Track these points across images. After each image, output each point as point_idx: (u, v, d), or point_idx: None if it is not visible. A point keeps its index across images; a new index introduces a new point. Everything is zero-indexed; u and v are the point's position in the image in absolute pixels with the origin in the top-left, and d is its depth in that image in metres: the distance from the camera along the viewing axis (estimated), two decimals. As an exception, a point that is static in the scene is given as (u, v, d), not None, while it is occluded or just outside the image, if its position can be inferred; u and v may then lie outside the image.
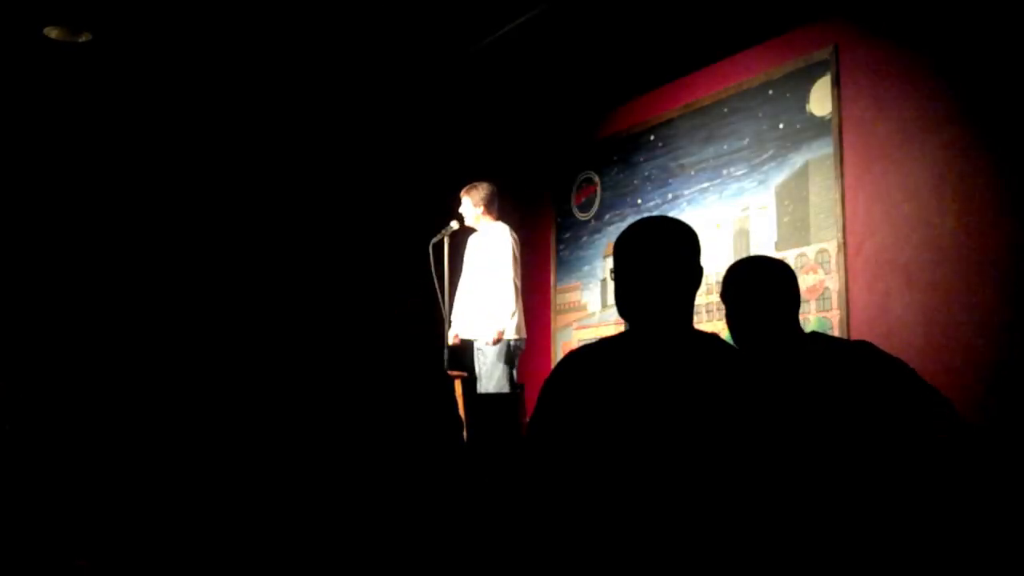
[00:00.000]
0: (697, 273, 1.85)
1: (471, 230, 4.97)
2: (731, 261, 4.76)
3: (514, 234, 4.82)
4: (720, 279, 2.33)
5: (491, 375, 4.63)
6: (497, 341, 4.63)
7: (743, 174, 4.61)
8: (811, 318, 4.13)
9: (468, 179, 4.99)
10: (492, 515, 2.19)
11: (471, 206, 4.87)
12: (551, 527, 1.71)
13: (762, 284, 2.23)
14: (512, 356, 4.68)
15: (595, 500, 1.67)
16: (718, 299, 2.36)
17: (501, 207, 5.00)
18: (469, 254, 4.96)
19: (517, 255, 4.77)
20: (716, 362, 1.76)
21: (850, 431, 2.04)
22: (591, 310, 5.48)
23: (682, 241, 1.84)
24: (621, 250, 1.86)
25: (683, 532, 1.61)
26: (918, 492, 2.02)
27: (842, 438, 2.02)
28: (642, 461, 1.66)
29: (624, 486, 1.66)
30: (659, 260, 1.81)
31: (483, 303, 4.75)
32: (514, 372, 4.69)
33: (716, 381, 1.72)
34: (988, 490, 2.11)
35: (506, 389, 4.60)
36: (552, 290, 5.78)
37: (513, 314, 4.67)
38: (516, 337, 4.69)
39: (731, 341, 2.04)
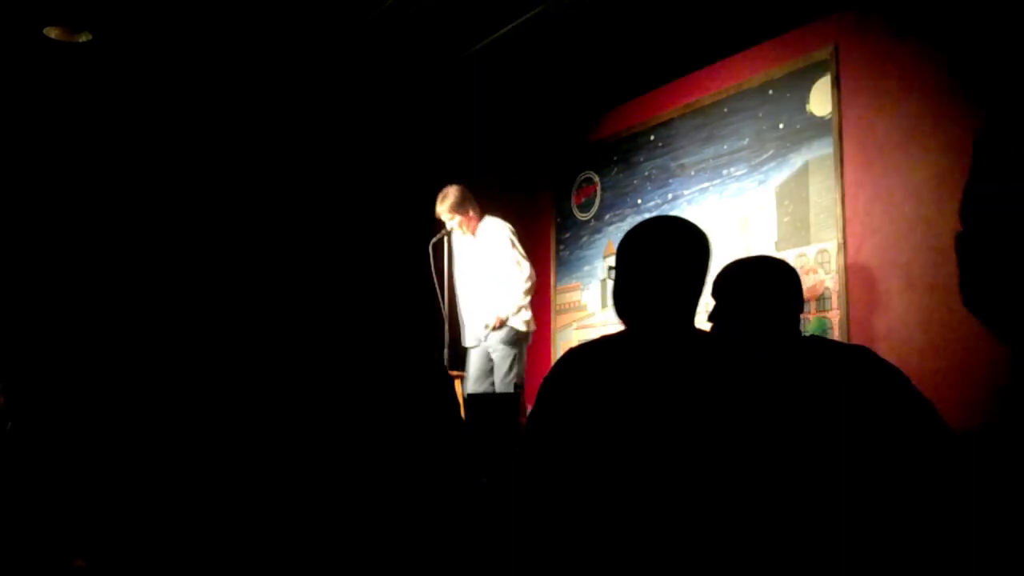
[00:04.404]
0: (705, 275, 1.84)
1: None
2: (731, 261, 4.77)
3: (508, 224, 4.80)
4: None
5: (507, 373, 4.58)
6: (496, 327, 4.60)
7: (743, 174, 4.60)
8: (811, 318, 4.13)
9: (469, 179, 4.96)
10: (491, 514, 2.18)
11: (453, 211, 4.74)
12: (550, 525, 1.71)
13: (767, 285, 2.20)
14: (523, 350, 4.67)
15: (594, 498, 1.67)
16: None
17: (498, 208, 4.98)
18: (465, 257, 4.89)
19: (517, 241, 4.76)
20: (716, 361, 1.76)
21: (838, 435, 2.02)
22: (591, 310, 5.48)
23: (693, 243, 1.84)
24: (632, 248, 1.84)
25: (681, 530, 1.61)
26: (899, 497, 2.01)
27: (830, 441, 2.01)
28: (641, 458, 1.66)
29: (622, 484, 1.65)
30: (670, 260, 1.80)
31: (495, 294, 4.71)
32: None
33: (716, 380, 1.72)
34: (964, 499, 2.10)
35: (522, 383, 4.55)
36: (552, 290, 5.78)
37: (524, 301, 4.65)
38: (526, 330, 4.69)
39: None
